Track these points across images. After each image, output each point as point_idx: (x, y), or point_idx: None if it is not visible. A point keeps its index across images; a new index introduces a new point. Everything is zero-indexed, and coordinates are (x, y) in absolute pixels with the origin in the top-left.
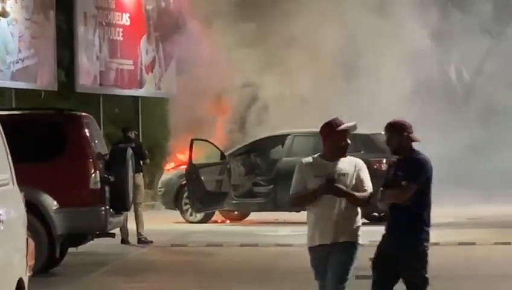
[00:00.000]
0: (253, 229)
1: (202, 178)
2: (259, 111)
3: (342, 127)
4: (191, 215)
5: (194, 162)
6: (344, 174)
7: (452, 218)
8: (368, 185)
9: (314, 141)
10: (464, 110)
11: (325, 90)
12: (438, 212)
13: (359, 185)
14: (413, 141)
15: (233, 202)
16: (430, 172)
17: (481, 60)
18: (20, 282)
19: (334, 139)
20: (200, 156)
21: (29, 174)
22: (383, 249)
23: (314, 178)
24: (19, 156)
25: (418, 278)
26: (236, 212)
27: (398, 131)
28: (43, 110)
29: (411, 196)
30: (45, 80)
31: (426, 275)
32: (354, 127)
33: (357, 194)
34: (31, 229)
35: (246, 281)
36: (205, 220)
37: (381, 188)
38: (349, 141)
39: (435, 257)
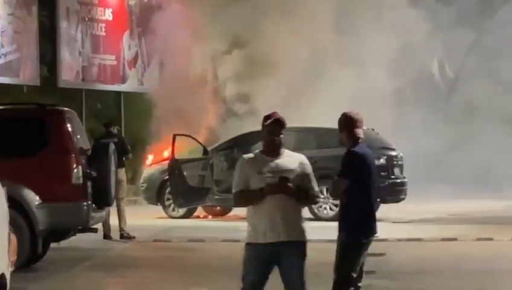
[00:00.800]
0: (235, 224)
1: (185, 173)
2: (242, 107)
3: (271, 120)
4: (173, 210)
5: (176, 157)
6: (288, 171)
7: (434, 214)
8: (314, 182)
9: (296, 136)
10: (446, 106)
11: (307, 84)
12: (420, 208)
13: (305, 182)
14: (358, 136)
15: (216, 197)
16: (363, 165)
17: (464, 55)
18: (2, 277)
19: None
20: (183, 151)
21: (11, 169)
22: None
23: (258, 175)
24: (1, 151)
25: (339, 271)
26: (218, 208)
27: (347, 123)
28: (25, 105)
29: (343, 190)
30: (28, 75)
31: (351, 273)
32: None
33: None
34: (13, 225)
35: (227, 276)
36: (187, 215)
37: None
38: (282, 136)
39: (418, 253)
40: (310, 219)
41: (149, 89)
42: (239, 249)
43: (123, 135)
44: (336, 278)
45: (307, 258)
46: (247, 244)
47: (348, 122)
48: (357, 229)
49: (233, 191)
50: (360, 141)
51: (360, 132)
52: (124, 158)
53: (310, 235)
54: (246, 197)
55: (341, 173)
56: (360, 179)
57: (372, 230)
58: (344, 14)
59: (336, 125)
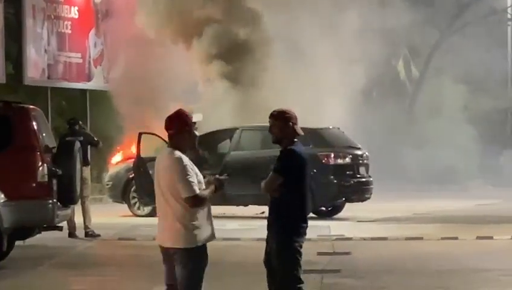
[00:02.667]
0: None
1: (150, 172)
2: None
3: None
4: (138, 208)
5: (142, 155)
6: None
7: (399, 213)
8: None
9: (262, 135)
10: (411, 105)
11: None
12: (384, 207)
13: None
14: (297, 133)
15: None
16: (301, 165)
17: (429, 54)
18: None
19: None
20: (149, 149)
21: None
22: (269, 247)
23: (196, 176)
24: None
25: (284, 275)
26: None
27: (283, 120)
28: None
29: (277, 188)
30: None
31: (295, 272)
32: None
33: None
34: None
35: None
36: (153, 213)
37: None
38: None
39: (383, 252)
40: None
41: (114, 87)
42: (208, 247)
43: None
44: (281, 283)
45: None
46: (197, 247)
47: (287, 119)
48: (289, 229)
49: (193, 194)
50: (296, 139)
51: (299, 130)
52: (97, 146)
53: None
54: (203, 200)
55: (277, 170)
56: (296, 178)
57: (303, 230)
58: (313, 13)
59: (303, 124)
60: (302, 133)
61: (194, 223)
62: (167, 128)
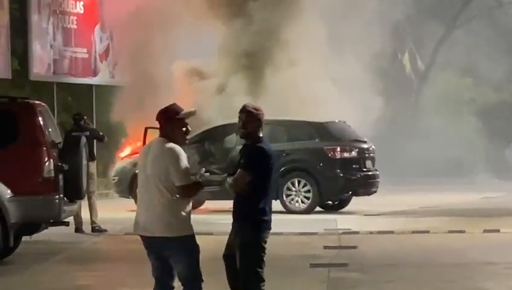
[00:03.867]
0: (207, 217)
1: None
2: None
3: (182, 114)
4: None
5: None
6: None
7: (406, 206)
8: None
9: (268, 129)
10: (417, 98)
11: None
12: (391, 201)
13: None
14: (261, 130)
15: None
16: (269, 162)
17: (434, 47)
18: None
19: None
20: None
21: None
22: (231, 240)
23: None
24: None
25: (246, 271)
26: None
27: (257, 118)
28: None
29: (245, 185)
30: None
31: (258, 269)
32: (193, 113)
33: None
34: None
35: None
36: None
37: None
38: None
39: (390, 246)
40: (281, 212)
41: (120, 82)
42: (211, 242)
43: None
44: (243, 278)
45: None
46: (192, 235)
47: (261, 117)
48: (255, 226)
49: (197, 180)
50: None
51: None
52: (102, 141)
53: (280, 228)
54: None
55: (247, 167)
56: (263, 176)
57: (267, 225)
58: (313, 4)
59: (308, 118)
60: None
61: (183, 213)
62: (157, 119)
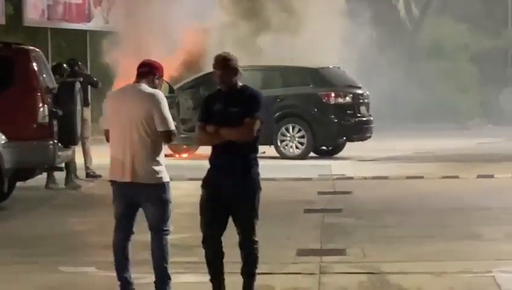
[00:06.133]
0: (201, 163)
1: None
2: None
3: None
4: None
5: None
6: None
7: (400, 152)
8: None
9: (263, 75)
10: (412, 44)
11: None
12: (385, 147)
13: None
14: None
15: (182, 136)
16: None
17: None
18: None
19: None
20: None
21: None
22: (217, 190)
23: None
24: None
25: (254, 212)
26: (184, 146)
27: (234, 64)
28: None
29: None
30: None
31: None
32: None
33: None
34: None
35: (192, 215)
36: None
37: (200, 124)
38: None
39: (384, 191)
40: (276, 158)
41: (114, 28)
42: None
43: (89, 73)
44: (249, 229)
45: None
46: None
47: (235, 63)
48: (257, 174)
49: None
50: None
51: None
52: (96, 87)
53: (274, 173)
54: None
55: (257, 112)
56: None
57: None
58: None
59: (302, 64)
60: None
61: (163, 159)
62: (139, 67)
